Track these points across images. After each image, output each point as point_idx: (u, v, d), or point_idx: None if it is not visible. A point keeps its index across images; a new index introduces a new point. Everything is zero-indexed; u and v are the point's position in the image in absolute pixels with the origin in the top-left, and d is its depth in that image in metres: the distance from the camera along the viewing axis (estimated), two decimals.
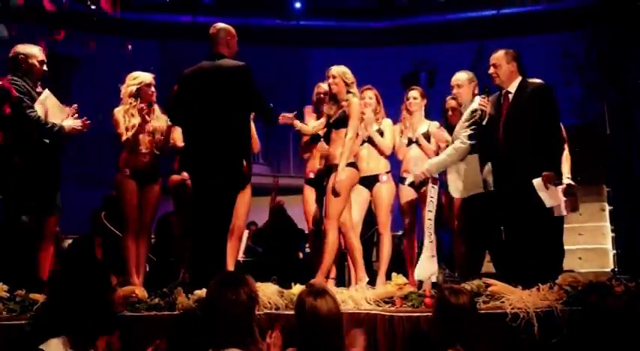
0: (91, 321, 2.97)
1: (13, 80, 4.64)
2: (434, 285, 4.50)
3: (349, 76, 4.98)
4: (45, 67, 4.81)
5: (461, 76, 5.18)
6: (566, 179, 5.02)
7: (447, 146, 5.16)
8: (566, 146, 5.02)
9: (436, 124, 5.54)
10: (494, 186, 4.78)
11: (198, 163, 4.48)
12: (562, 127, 4.78)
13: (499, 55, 4.77)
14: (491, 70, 4.78)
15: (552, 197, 4.48)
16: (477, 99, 4.94)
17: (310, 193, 5.39)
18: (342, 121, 4.91)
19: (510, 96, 4.72)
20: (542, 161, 4.51)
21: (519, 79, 4.74)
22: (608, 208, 6.97)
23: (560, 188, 4.59)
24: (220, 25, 4.63)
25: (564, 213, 4.62)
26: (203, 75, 4.48)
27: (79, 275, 3.02)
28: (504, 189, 4.64)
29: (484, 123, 4.79)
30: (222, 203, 4.45)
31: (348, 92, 4.94)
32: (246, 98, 4.45)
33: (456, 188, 5.09)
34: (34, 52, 4.77)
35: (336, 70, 4.98)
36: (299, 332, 3.11)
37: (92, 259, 5.64)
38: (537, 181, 4.49)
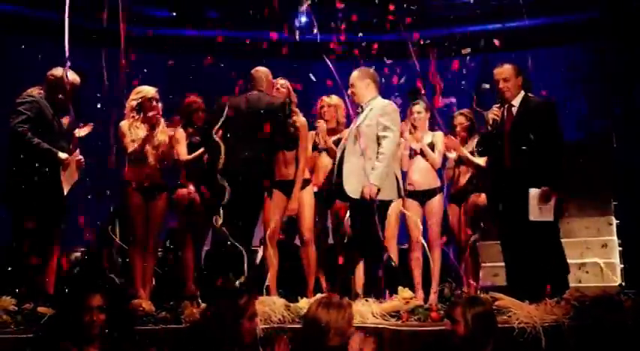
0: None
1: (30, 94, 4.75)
2: (440, 299, 4.48)
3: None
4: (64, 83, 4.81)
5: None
6: None
7: (457, 155, 5.40)
8: None
9: (441, 134, 5.55)
10: (493, 199, 4.75)
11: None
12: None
13: (509, 69, 4.72)
14: (502, 84, 4.70)
15: (542, 212, 4.45)
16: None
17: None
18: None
19: (514, 109, 4.71)
20: (543, 176, 4.49)
21: (522, 93, 4.73)
22: (615, 221, 6.92)
23: (552, 204, 4.50)
24: (261, 68, 5.27)
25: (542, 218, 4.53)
26: (248, 103, 4.93)
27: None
28: (507, 202, 4.59)
29: (495, 132, 4.79)
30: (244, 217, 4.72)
31: None
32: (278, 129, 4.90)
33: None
34: (55, 71, 4.84)
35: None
36: None
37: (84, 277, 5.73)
38: (534, 192, 4.46)
